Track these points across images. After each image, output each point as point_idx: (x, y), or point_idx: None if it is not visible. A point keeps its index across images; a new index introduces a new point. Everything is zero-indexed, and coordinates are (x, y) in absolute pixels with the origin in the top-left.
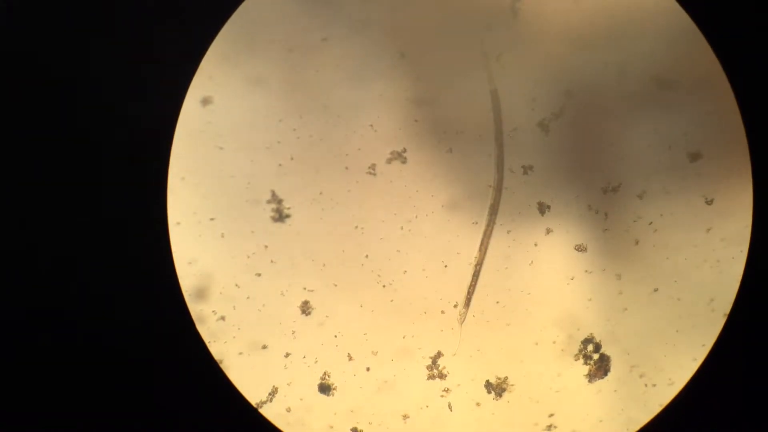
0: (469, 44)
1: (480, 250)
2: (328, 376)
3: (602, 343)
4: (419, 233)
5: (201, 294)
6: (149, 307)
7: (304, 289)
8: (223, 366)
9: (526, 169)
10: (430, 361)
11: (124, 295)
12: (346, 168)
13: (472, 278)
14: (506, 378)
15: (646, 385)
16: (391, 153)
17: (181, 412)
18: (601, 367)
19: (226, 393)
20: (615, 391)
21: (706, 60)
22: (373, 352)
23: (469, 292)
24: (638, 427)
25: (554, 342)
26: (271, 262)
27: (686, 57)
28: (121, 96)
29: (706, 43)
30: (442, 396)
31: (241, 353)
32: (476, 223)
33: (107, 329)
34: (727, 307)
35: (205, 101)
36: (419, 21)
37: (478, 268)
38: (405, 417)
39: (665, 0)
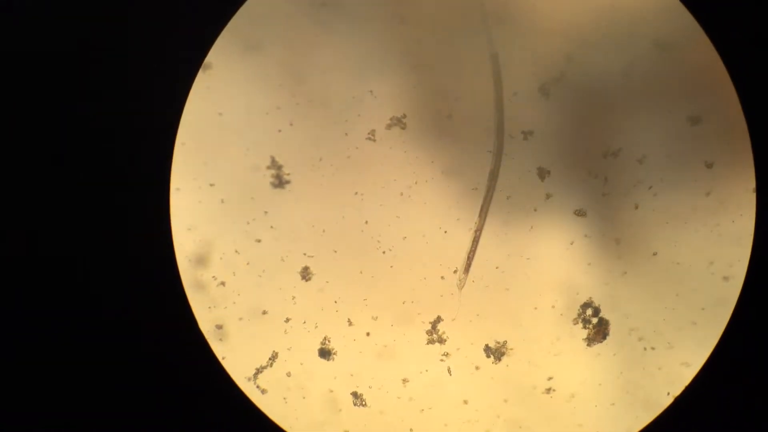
0: (470, 8)
1: (480, 216)
2: (329, 341)
3: (601, 307)
4: (419, 199)
5: (201, 260)
6: (146, 279)
7: (304, 254)
8: (222, 332)
9: (526, 135)
10: (429, 326)
11: (122, 259)
12: (346, 134)
13: (472, 244)
14: (505, 342)
15: (645, 349)
16: (391, 119)
17: (179, 403)
18: (599, 331)
19: (219, 375)
20: (614, 354)
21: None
22: (372, 317)
23: (468, 258)
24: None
25: (553, 306)
26: (271, 227)
27: (685, 22)
28: (123, 61)
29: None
30: (441, 360)
31: (241, 318)
32: (476, 189)
33: (108, 297)
34: (726, 270)
35: (205, 66)
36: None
37: (477, 233)
38: (405, 381)
39: None
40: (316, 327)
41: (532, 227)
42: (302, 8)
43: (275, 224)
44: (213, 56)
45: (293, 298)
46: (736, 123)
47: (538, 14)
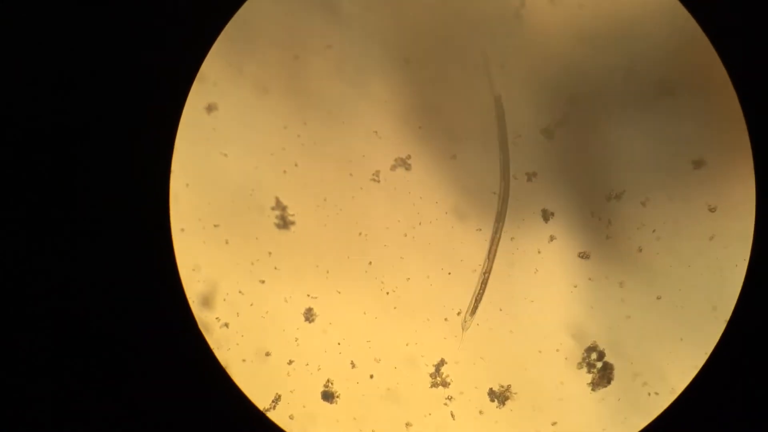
0: (474, 50)
1: (488, 258)
2: (332, 384)
3: (605, 351)
4: (423, 240)
5: (205, 301)
6: (154, 315)
7: (308, 295)
8: (228, 372)
9: (530, 176)
10: (433, 369)
11: (129, 302)
12: (351, 174)
13: (480, 286)
14: (509, 386)
15: (649, 394)
16: (396, 159)
17: (187, 417)
18: (604, 376)
19: (233, 398)
20: (618, 399)
21: (710, 64)
22: (376, 359)
23: (475, 300)
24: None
25: (557, 350)
26: (275, 268)
27: (690, 61)
28: (121, 101)
29: (711, 48)
30: (445, 404)
31: (244, 360)
32: (480, 230)
33: (113, 338)
34: (729, 314)
35: (210, 108)
36: (424, 27)
37: (486, 276)
38: (408, 425)
39: (669, 1)
40: (319, 369)
41: (536, 270)
42: (308, 51)
43: (279, 265)
44: (218, 97)
45: (296, 339)
46: (740, 166)
47: (542, 56)
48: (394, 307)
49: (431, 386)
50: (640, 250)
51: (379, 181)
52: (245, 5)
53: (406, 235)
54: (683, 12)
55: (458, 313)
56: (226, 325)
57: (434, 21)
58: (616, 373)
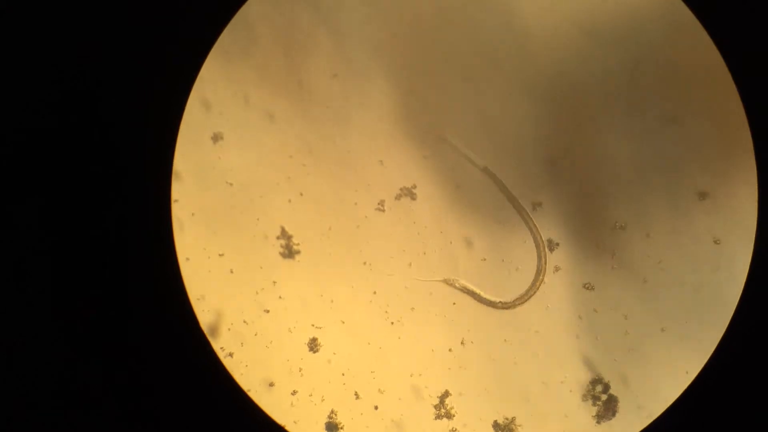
0: (479, 78)
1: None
2: (335, 415)
3: (610, 384)
4: (428, 270)
5: (210, 331)
6: (169, 347)
7: (312, 325)
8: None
9: (535, 206)
10: (437, 400)
11: (142, 341)
12: (356, 204)
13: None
14: (514, 418)
15: None
16: (401, 189)
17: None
18: (609, 408)
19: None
20: None
21: (723, 94)
22: (380, 390)
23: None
24: None
25: (562, 382)
26: (279, 298)
27: (700, 91)
28: (123, 128)
29: (726, 70)
30: None
31: (248, 390)
32: (485, 259)
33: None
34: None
35: (216, 137)
36: (428, 58)
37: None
38: None
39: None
40: (323, 400)
41: (541, 301)
42: (314, 80)
43: (284, 294)
44: (224, 126)
45: (300, 369)
46: (745, 199)
47: (546, 82)
48: (399, 337)
49: (435, 418)
50: (645, 282)
51: (384, 211)
52: (248, 28)
53: (410, 265)
54: (705, 39)
55: (461, 343)
56: (231, 355)
57: (441, 52)
58: (621, 405)
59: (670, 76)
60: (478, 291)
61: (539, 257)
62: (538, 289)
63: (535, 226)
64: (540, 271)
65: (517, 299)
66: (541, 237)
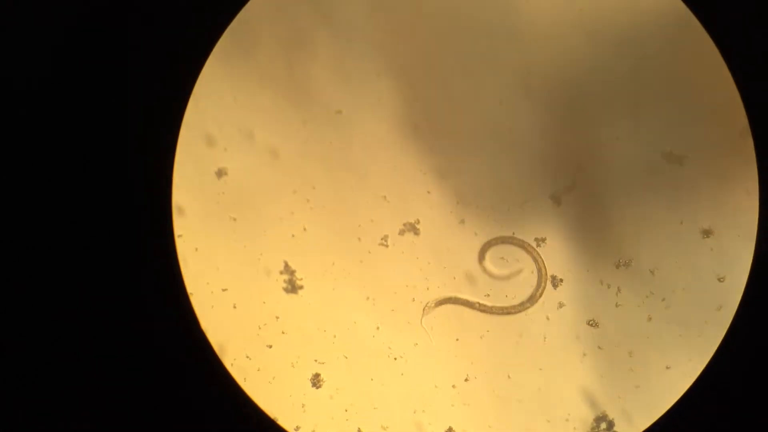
0: (482, 118)
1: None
2: None
3: (615, 421)
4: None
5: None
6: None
7: (315, 361)
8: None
9: (539, 241)
10: None
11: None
12: (359, 239)
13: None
14: None
15: None
16: (404, 224)
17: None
18: None
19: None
20: None
21: (738, 133)
22: (383, 426)
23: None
24: None
25: (567, 419)
26: (282, 333)
27: (707, 126)
28: (124, 160)
29: (740, 102)
30: None
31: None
32: (488, 295)
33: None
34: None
35: (220, 173)
36: (433, 93)
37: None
38: None
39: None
40: None
41: (545, 337)
42: (317, 114)
43: (286, 329)
44: (228, 162)
45: (303, 405)
46: (748, 237)
47: (551, 124)
48: (402, 374)
49: None
50: (650, 319)
51: (387, 246)
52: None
53: (413, 300)
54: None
55: (465, 380)
56: None
57: (446, 87)
58: None
59: (677, 112)
60: (476, 300)
61: (538, 284)
62: (538, 300)
63: (540, 257)
64: (541, 279)
65: (521, 304)
66: (544, 265)
